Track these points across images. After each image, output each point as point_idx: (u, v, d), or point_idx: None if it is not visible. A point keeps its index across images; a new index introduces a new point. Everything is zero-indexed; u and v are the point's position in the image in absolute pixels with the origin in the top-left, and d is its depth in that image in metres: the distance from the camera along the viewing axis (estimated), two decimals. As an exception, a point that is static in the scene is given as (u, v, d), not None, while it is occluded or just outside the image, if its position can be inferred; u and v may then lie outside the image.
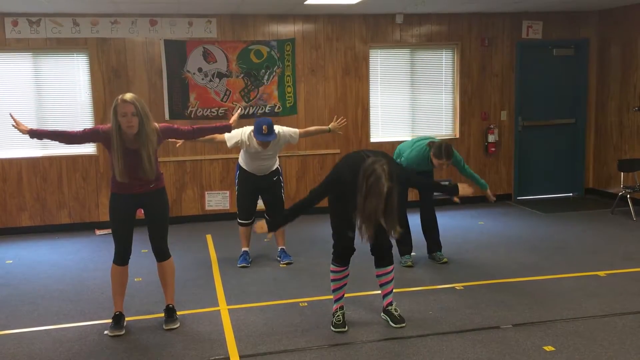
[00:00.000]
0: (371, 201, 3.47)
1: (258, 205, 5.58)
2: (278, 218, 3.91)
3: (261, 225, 3.86)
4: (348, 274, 4.05)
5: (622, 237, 6.22)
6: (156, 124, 3.98)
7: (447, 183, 4.74)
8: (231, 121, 4.31)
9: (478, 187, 5.33)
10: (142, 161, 3.83)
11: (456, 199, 4.26)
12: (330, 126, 5.46)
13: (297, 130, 5.39)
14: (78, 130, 4.04)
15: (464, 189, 4.11)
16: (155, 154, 3.94)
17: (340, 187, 3.77)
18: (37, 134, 4.00)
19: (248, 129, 5.20)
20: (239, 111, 4.54)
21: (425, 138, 5.35)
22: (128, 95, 3.80)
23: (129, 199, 3.97)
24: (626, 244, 5.97)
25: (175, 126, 4.16)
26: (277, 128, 5.19)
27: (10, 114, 4.16)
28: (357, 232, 3.72)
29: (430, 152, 5.06)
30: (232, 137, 5.21)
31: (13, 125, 4.02)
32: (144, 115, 3.79)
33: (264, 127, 5.00)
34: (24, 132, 3.99)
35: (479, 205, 7.87)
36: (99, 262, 5.69)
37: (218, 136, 5.19)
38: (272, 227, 3.88)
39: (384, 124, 7.81)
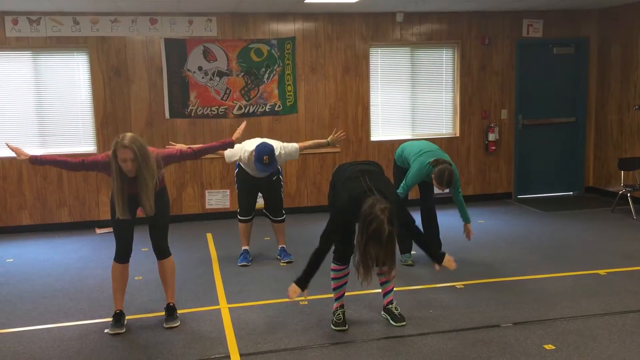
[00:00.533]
0: (373, 248, 3.44)
1: (258, 203, 5.59)
2: (304, 275, 3.83)
3: (294, 290, 3.80)
4: (348, 273, 4.04)
5: (622, 236, 6.23)
6: (158, 152, 3.96)
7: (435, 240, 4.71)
8: (234, 137, 4.29)
9: (461, 216, 5.26)
10: (141, 200, 3.85)
11: (437, 267, 4.00)
12: (329, 139, 5.38)
13: (297, 146, 5.32)
14: (78, 159, 4.00)
15: (449, 262, 3.92)
16: (155, 188, 3.88)
17: (344, 220, 3.80)
18: (38, 161, 3.98)
19: (248, 147, 5.15)
20: (242, 127, 4.47)
21: (431, 150, 5.17)
22: (127, 140, 3.73)
23: (129, 197, 3.97)
24: (626, 242, 5.97)
25: (177, 153, 4.10)
26: (278, 148, 5.15)
27: (7, 144, 4.12)
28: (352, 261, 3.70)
29: (432, 172, 4.91)
30: (231, 155, 5.20)
31: (15, 156, 4.00)
32: (142, 160, 3.74)
33: (265, 157, 4.99)
34: (24, 159, 3.97)
35: (479, 204, 7.87)
36: (99, 260, 5.70)
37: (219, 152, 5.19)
38: (303, 285, 3.81)
39: (384, 123, 7.81)
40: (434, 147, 5.26)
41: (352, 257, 3.99)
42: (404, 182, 5.08)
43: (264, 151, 5.01)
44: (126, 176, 3.83)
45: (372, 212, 3.42)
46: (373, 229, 3.39)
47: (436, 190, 5.33)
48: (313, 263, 3.78)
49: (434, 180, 4.90)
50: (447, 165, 4.86)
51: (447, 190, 5.05)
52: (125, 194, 3.84)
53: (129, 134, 3.82)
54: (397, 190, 5.02)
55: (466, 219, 5.26)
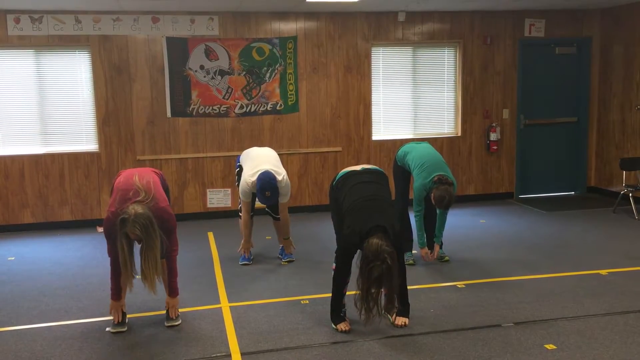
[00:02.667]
0: (376, 292, 3.53)
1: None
2: (334, 305, 3.94)
3: (345, 326, 3.90)
4: (350, 273, 4.04)
5: (624, 236, 6.22)
6: (162, 210, 3.84)
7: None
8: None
9: (436, 233, 5.27)
10: (142, 274, 3.74)
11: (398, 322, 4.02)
12: (289, 237, 5.45)
13: (288, 197, 5.32)
14: (111, 260, 3.89)
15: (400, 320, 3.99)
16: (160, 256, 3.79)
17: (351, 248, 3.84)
18: (118, 294, 3.93)
19: (251, 175, 5.13)
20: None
21: (434, 163, 5.10)
22: (137, 228, 3.58)
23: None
24: (628, 242, 5.96)
25: (172, 234, 3.95)
26: (281, 175, 5.14)
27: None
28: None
29: (433, 190, 4.90)
30: (242, 192, 5.25)
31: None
32: (148, 243, 3.64)
33: (267, 192, 5.01)
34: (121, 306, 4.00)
35: (481, 204, 7.87)
36: (100, 259, 5.69)
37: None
38: (335, 321, 3.94)
39: (386, 122, 7.81)
40: (436, 157, 5.20)
41: (354, 257, 4.02)
42: (414, 200, 5.11)
43: (266, 186, 5.01)
44: (131, 246, 3.73)
45: (374, 258, 3.49)
46: (375, 277, 3.48)
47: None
48: (338, 292, 3.91)
49: (433, 199, 4.91)
50: (448, 187, 4.87)
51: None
52: (132, 258, 3.71)
53: (140, 212, 3.61)
54: (414, 210, 5.12)
55: (439, 239, 5.28)
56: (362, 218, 3.76)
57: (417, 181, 5.08)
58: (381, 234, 3.61)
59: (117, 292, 3.94)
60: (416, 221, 5.17)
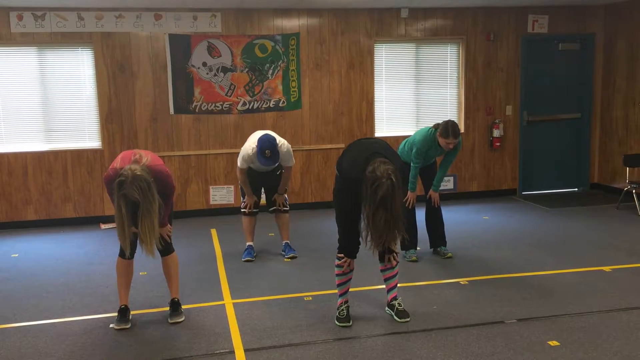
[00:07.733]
0: (384, 212, 3.43)
1: (262, 199, 5.60)
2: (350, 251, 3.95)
3: (348, 262, 3.95)
4: (353, 269, 4.04)
5: (627, 233, 6.21)
6: (159, 170, 3.84)
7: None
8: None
9: (435, 180, 5.34)
10: (140, 239, 3.74)
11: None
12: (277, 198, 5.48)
13: (292, 162, 5.36)
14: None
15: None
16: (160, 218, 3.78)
17: (349, 187, 3.71)
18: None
19: (253, 143, 5.17)
20: None
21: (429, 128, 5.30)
22: (135, 190, 3.56)
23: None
24: (631, 239, 5.95)
25: (167, 195, 3.92)
26: (284, 146, 5.17)
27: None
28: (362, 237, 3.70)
29: (437, 132, 5.06)
30: (242, 160, 5.26)
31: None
32: (146, 207, 3.62)
33: (267, 151, 5.01)
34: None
35: (484, 200, 7.87)
36: (104, 255, 5.71)
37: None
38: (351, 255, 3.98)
39: (389, 119, 7.80)
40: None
41: (357, 252, 4.02)
42: (414, 152, 5.17)
43: (266, 145, 5.02)
44: (129, 208, 3.69)
45: (377, 176, 3.42)
46: (381, 196, 3.39)
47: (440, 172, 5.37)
48: (352, 235, 3.86)
49: (440, 138, 5.04)
50: (449, 119, 5.04)
51: (451, 147, 5.06)
52: (130, 220, 3.70)
53: (138, 173, 3.60)
54: (412, 164, 5.18)
55: (436, 187, 5.34)
56: (360, 151, 3.69)
57: (418, 135, 5.19)
58: (383, 158, 3.54)
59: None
60: (413, 168, 5.19)
